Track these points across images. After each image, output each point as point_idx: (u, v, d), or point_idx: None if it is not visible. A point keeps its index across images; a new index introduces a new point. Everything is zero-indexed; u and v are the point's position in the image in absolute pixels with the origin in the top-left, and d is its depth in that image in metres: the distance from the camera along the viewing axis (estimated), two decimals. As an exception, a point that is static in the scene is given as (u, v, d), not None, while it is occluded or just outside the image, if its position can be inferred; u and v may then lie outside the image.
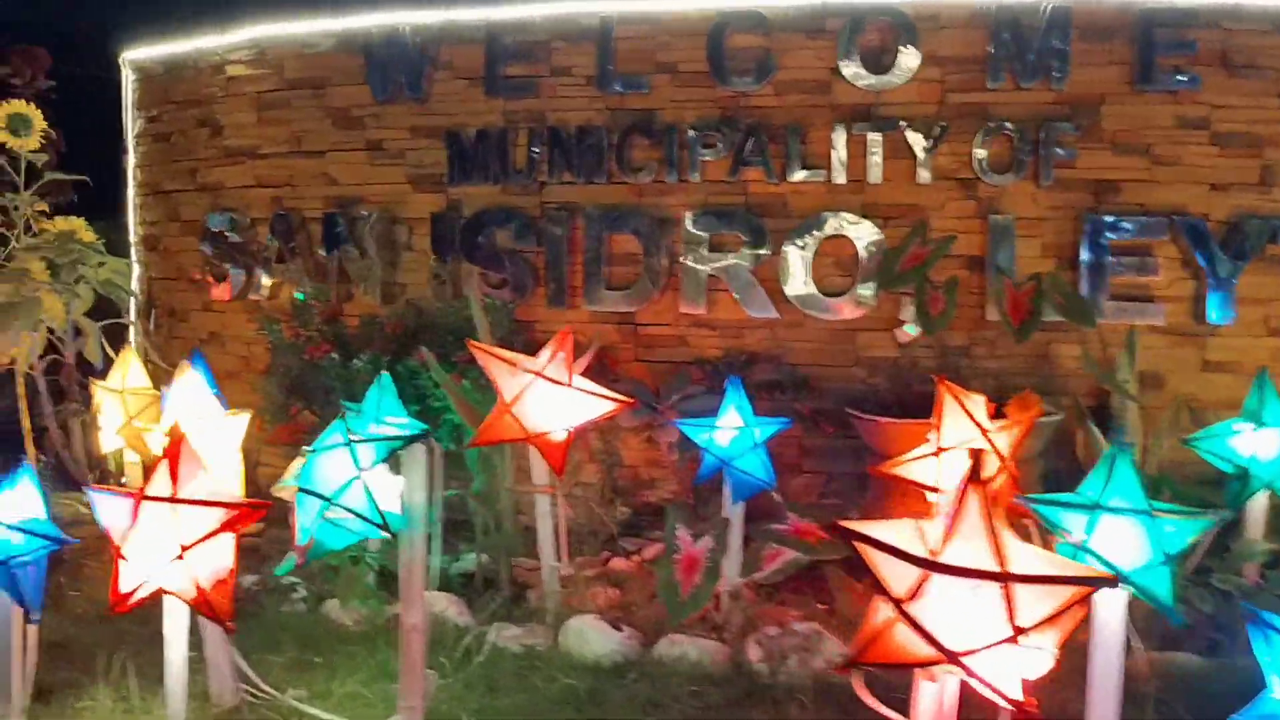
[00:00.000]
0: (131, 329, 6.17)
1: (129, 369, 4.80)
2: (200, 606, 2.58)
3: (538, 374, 3.91)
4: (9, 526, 2.67)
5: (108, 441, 4.83)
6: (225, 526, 2.56)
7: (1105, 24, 4.75)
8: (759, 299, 4.99)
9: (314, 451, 2.94)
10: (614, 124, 5.16)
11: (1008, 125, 4.80)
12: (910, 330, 4.86)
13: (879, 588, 1.93)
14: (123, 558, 2.59)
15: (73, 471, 4.56)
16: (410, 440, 2.93)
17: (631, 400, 4.14)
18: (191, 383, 3.56)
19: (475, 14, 5.33)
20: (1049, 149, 4.78)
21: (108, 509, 2.62)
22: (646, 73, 5.12)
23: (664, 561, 3.59)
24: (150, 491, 2.57)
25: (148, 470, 3.09)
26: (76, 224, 4.31)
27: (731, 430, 3.95)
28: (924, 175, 4.86)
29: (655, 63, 5.12)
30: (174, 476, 2.57)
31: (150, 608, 2.69)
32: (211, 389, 4.33)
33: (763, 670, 3.45)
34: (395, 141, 5.56)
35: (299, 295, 5.33)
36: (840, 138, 4.89)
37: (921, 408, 4.62)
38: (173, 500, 2.56)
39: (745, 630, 3.62)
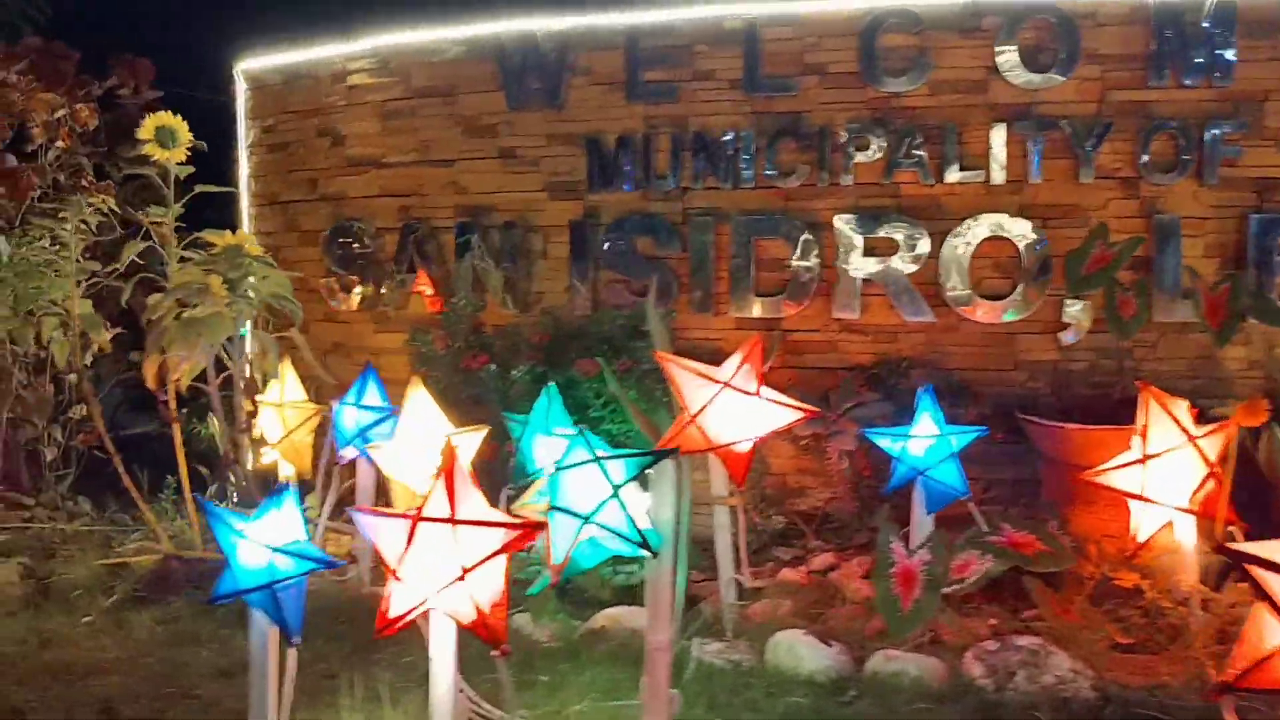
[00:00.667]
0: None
1: (287, 383, 4.75)
2: (478, 629, 2.51)
3: (726, 384, 3.85)
4: (276, 550, 2.61)
5: (266, 455, 4.81)
6: (506, 547, 2.49)
7: (1270, 19, 4.65)
8: (915, 302, 4.90)
9: (559, 469, 2.87)
10: (760, 127, 5.09)
11: (1170, 123, 4.70)
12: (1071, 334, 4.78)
13: (1276, 609, 1.85)
14: (398, 580, 2.53)
15: (245, 489, 4.51)
16: (661, 457, 2.86)
17: (815, 410, 4.08)
18: (421, 401, 3.49)
19: (614, 19, 5.27)
20: (1213, 147, 4.67)
21: (382, 530, 2.55)
22: (794, 75, 5.05)
23: (880, 575, 3.51)
24: (428, 512, 2.51)
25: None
26: (245, 237, 4.27)
27: (927, 439, 3.87)
28: (1085, 175, 4.77)
29: (803, 64, 5.04)
30: (451, 496, 2.51)
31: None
32: (385, 403, 4.29)
33: (987, 686, 3.36)
34: (530, 149, 5.51)
35: (451, 304, 5.26)
36: (999, 137, 4.81)
37: (1085, 411, 4.55)
38: (453, 521, 2.49)
39: (962, 644, 3.53)
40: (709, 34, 5.14)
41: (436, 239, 5.71)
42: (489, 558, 2.49)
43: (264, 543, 2.64)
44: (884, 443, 3.95)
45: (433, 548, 2.51)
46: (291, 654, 2.73)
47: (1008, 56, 4.79)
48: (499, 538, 2.49)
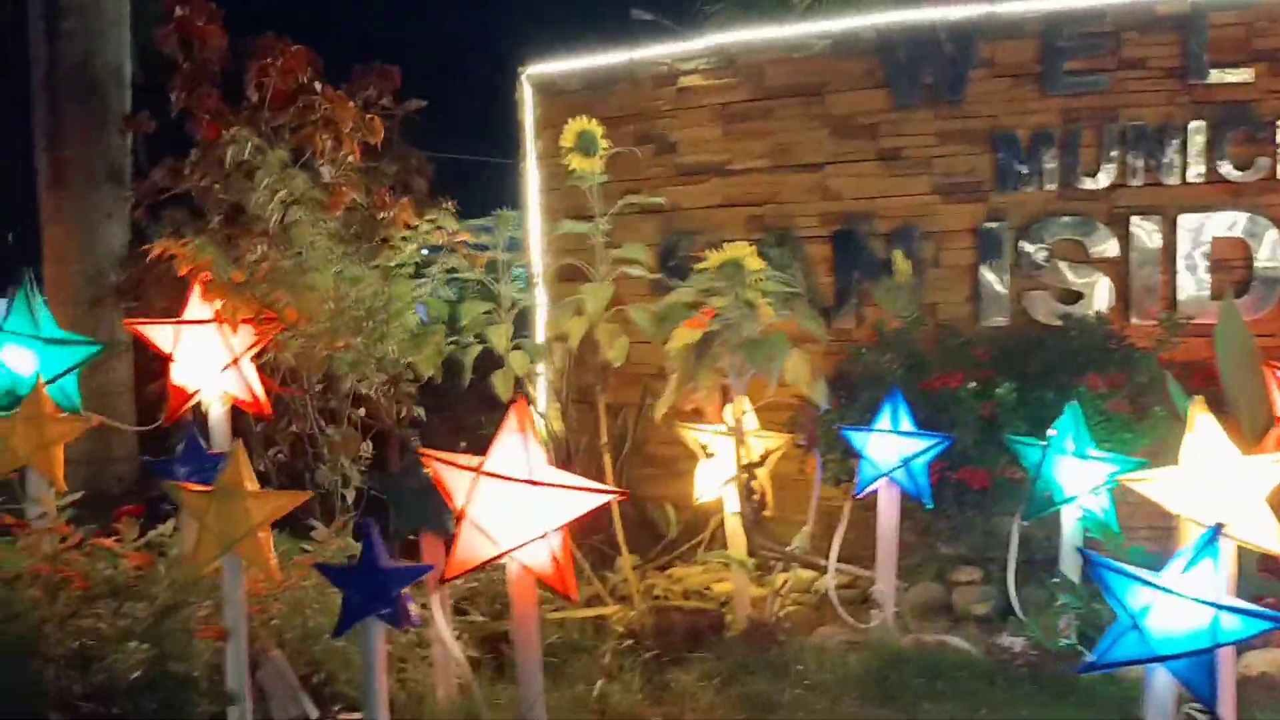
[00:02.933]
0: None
1: (741, 410, 4.28)
2: None
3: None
4: (1222, 607, 2.16)
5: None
6: None
7: None
8: (1394, 304, 4.55)
9: None
10: (1201, 119, 4.72)
11: None
12: None
13: None
14: None
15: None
16: None
17: None
18: (1207, 426, 3.01)
19: (1025, 6, 4.89)
20: None
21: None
22: (1241, 62, 4.69)
23: None
24: None
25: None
26: (744, 250, 3.81)
27: None
28: None
29: (1251, 51, 4.68)
30: None
31: None
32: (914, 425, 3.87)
33: None
34: (918, 149, 5.10)
35: (903, 318, 4.81)
36: None
37: None
38: None
39: None
40: (1140, 20, 4.76)
41: (803, 249, 5.27)
42: None
43: (1199, 597, 2.20)
44: None
45: None
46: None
47: None
48: None
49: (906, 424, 3.85)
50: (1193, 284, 4.72)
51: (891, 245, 5.08)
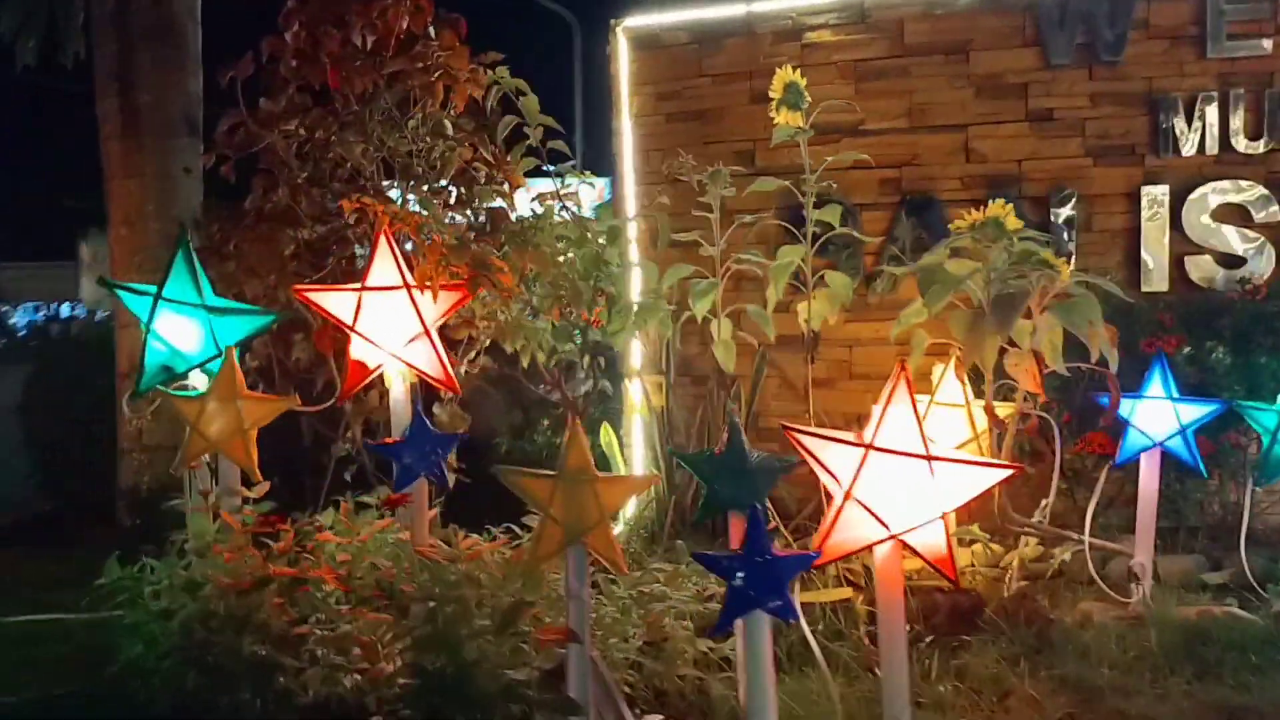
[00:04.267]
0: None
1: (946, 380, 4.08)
2: None
3: None
4: None
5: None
6: None
7: None
8: None
9: None
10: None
11: None
12: None
13: None
14: None
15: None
16: None
17: None
18: None
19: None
20: None
21: None
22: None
23: None
24: None
25: None
26: (1001, 208, 3.57)
27: None
28: None
29: None
30: None
31: None
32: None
33: None
34: (1071, 110, 4.98)
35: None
36: None
37: None
38: None
39: None
40: (1301, -18, 4.77)
41: (940, 212, 5.10)
42: None
43: None
44: None
45: None
46: None
47: None
48: None
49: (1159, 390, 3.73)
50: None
51: (1042, 208, 4.96)
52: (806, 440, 2.71)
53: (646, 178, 5.75)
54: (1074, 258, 4.87)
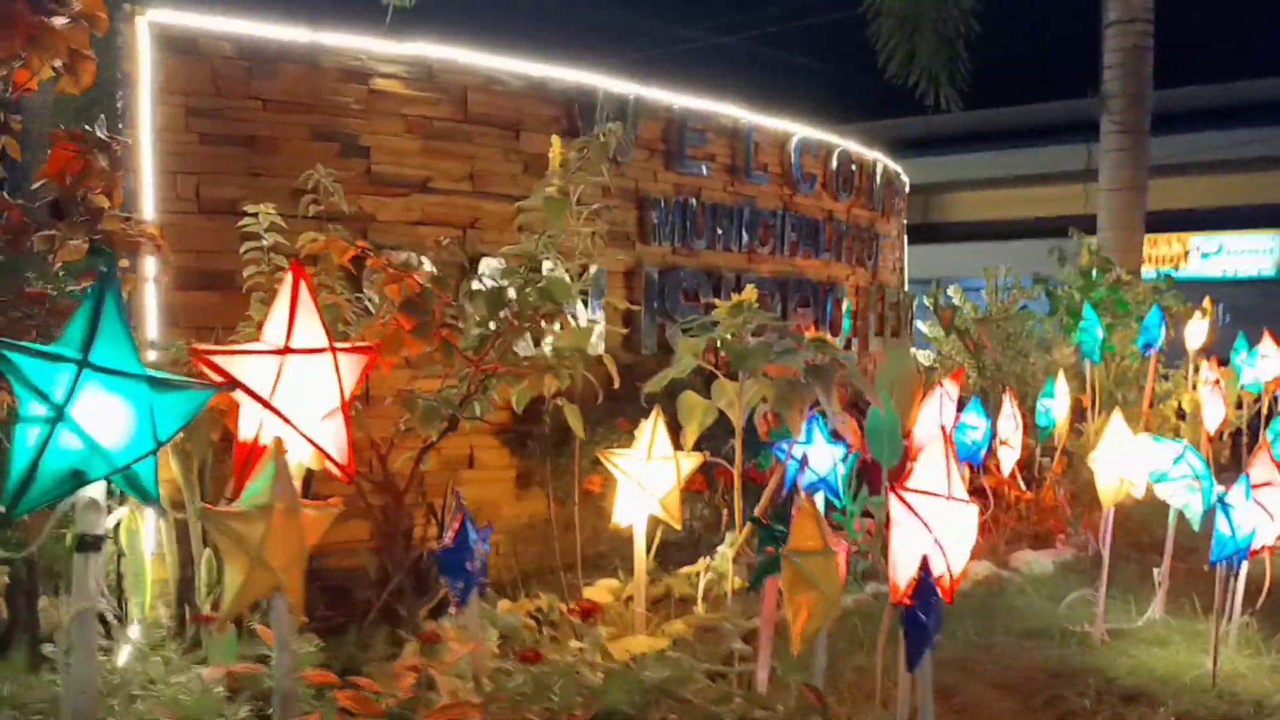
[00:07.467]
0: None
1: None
2: None
3: None
4: None
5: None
6: None
7: None
8: None
9: None
10: None
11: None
12: None
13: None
14: None
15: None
16: None
17: None
18: None
19: None
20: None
21: None
22: None
23: None
24: None
25: None
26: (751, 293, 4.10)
27: None
28: None
29: None
30: None
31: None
32: None
33: None
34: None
35: None
36: None
37: None
38: None
39: None
40: None
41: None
42: None
43: None
44: None
45: None
46: None
47: None
48: None
49: None
50: None
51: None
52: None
53: (171, 205, 4.76)
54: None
